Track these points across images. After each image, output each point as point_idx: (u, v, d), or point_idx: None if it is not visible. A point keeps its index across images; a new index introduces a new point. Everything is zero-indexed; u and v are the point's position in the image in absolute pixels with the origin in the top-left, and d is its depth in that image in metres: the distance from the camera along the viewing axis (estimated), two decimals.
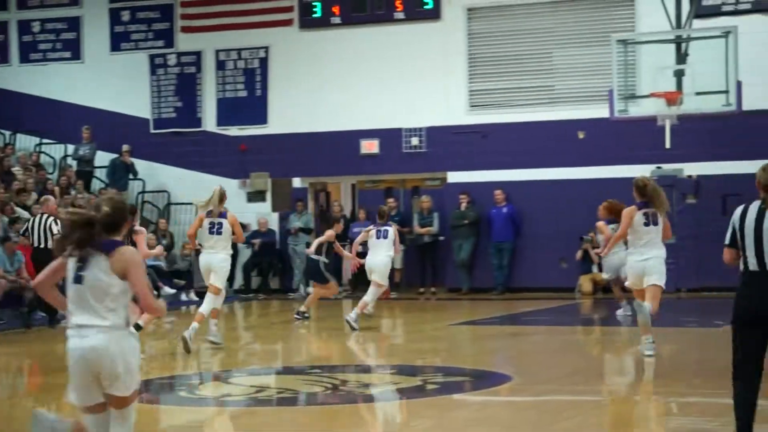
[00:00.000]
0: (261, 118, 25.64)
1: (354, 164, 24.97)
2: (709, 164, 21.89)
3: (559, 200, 23.14)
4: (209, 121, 26.01)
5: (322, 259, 18.11)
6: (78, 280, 6.63)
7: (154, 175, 26.07)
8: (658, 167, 22.28)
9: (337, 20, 25.02)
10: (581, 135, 23.24)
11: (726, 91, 19.26)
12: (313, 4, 25.17)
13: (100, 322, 6.59)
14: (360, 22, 24.80)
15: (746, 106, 19.45)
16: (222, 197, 14.95)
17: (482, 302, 22.07)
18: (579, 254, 22.62)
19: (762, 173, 7.97)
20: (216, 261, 14.76)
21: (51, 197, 19.49)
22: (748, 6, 22.10)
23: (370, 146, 24.87)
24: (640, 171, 22.13)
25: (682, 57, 19.77)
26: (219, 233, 14.73)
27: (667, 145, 19.79)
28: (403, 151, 24.61)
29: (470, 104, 24.20)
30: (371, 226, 18.13)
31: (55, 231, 17.56)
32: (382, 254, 17.75)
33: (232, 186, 25.58)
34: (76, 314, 6.66)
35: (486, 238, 23.63)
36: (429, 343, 16.32)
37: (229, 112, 25.82)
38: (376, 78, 24.66)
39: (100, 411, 6.71)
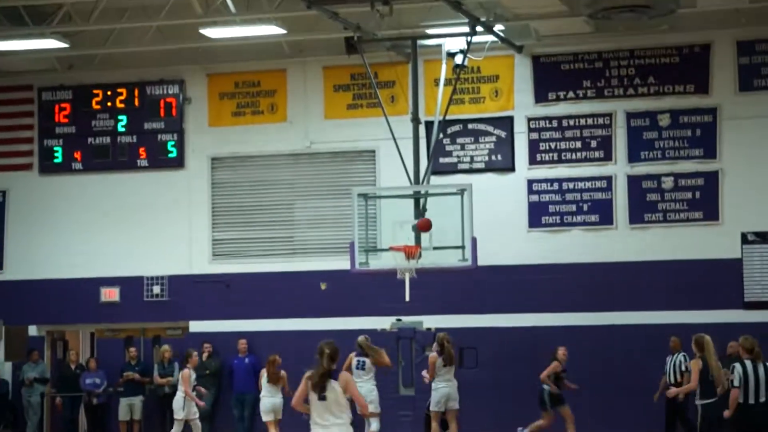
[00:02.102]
0: None
1: (93, 312, 24.46)
2: (446, 317, 22.40)
3: (301, 350, 23.03)
4: None
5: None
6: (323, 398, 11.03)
7: None
8: (398, 319, 22.69)
9: (78, 166, 24.70)
10: (323, 286, 23.49)
11: (462, 247, 19.86)
12: (54, 149, 24.81)
13: (339, 421, 11.02)
14: (102, 169, 24.57)
15: (481, 261, 20.11)
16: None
17: None
18: None
19: (744, 341, 14.67)
20: None
21: None
22: (481, 165, 23.01)
23: (110, 294, 24.46)
24: (381, 323, 22.71)
25: (420, 212, 20.33)
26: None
27: (407, 298, 20.19)
28: (144, 299, 24.29)
29: (213, 253, 24.18)
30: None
31: None
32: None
33: None
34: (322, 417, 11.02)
35: (228, 389, 23.42)
36: None
37: None
38: (118, 225, 24.38)
39: None
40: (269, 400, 20.28)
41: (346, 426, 11.11)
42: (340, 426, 11.06)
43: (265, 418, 20.47)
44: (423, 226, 19.80)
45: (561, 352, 20.46)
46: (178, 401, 20.11)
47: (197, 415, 20.16)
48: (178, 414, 20.01)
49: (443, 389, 19.52)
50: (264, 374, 20.31)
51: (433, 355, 19.63)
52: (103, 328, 24.93)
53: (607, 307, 22.05)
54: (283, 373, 20.44)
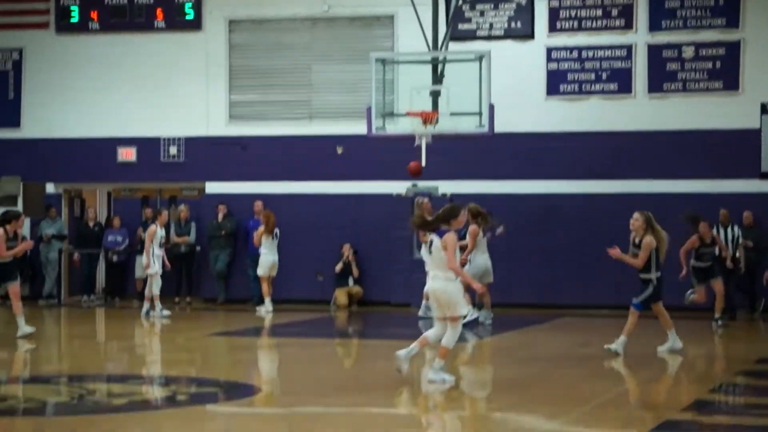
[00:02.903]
0: (14, 121, 24.95)
1: (110, 172, 24.60)
2: (462, 183, 22.49)
3: (317, 214, 23.37)
4: None
5: None
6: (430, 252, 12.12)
7: None
8: (414, 185, 22.77)
9: (95, 26, 24.58)
10: (339, 150, 23.52)
11: (479, 113, 19.86)
12: (71, 8, 24.64)
13: (442, 274, 12.05)
14: (119, 29, 24.44)
15: (498, 128, 20.10)
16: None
17: (238, 313, 22.05)
18: (339, 267, 22.85)
19: None
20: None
21: None
22: (500, 32, 22.82)
23: (127, 154, 24.55)
24: (397, 187, 22.79)
25: (438, 78, 20.27)
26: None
27: (423, 163, 20.23)
28: (161, 160, 24.39)
29: (230, 115, 24.18)
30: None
31: None
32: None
33: None
34: (430, 268, 12.21)
35: (243, 249, 23.64)
36: (183, 353, 16.22)
37: None
38: (135, 86, 24.36)
39: (444, 321, 12.14)
40: (269, 257, 21.75)
41: (450, 281, 12.02)
42: (443, 279, 12.04)
43: (261, 272, 21.77)
44: (414, 170, 19.61)
45: (702, 227, 19.13)
46: (144, 258, 21.01)
47: (159, 272, 20.97)
48: (152, 269, 20.76)
49: (484, 263, 19.04)
50: (261, 229, 21.58)
51: (474, 227, 18.87)
52: (120, 188, 25.10)
53: (623, 176, 22.11)
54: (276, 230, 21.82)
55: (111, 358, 15.88)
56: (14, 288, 16.94)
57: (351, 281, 22.92)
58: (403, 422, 10.65)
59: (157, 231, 20.79)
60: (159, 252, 20.86)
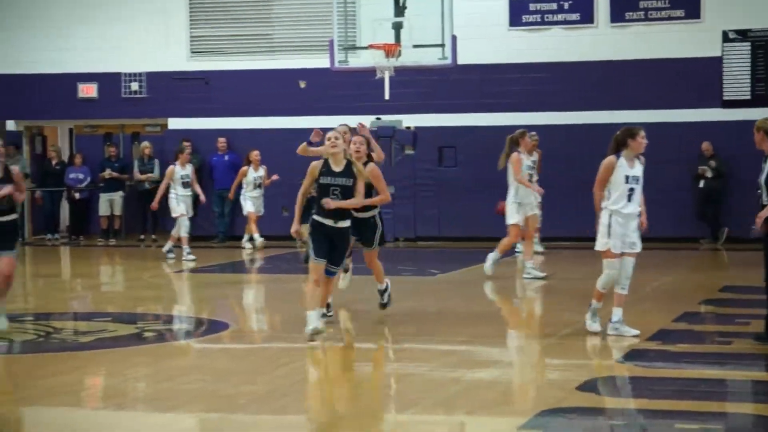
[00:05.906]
0: None
1: (72, 108, 24.40)
2: (426, 116, 22.44)
3: (280, 149, 23.25)
4: None
5: None
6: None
7: None
8: (378, 118, 22.72)
9: None
10: (302, 84, 23.42)
11: (442, 45, 19.78)
12: None
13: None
14: None
15: (460, 60, 20.04)
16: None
17: (204, 250, 22.02)
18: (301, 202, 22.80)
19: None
20: None
21: None
22: None
23: (88, 90, 24.34)
24: (360, 121, 22.66)
25: (400, 10, 20.12)
26: None
27: (386, 96, 20.16)
28: (122, 96, 24.20)
29: (192, 50, 23.99)
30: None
31: None
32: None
33: None
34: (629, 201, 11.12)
35: (207, 186, 23.54)
36: (149, 290, 16.23)
37: None
38: (95, 20, 24.08)
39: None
40: (253, 195, 21.92)
41: None
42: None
43: (249, 209, 21.87)
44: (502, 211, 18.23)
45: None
46: (170, 199, 20.12)
47: (184, 214, 20.27)
48: (174, 211, 20.15)
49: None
50: (249, 169, 21.31)
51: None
52: (82, 125, 24.92)
53: (586, 106, 22.09)
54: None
55: (77, 297, 15.88)
56: (7, 260, 11.89)
57: None
58: (370, 356, 10.72)
59: (176, 170, 20.00)
60: (184, 192, 20.13)
